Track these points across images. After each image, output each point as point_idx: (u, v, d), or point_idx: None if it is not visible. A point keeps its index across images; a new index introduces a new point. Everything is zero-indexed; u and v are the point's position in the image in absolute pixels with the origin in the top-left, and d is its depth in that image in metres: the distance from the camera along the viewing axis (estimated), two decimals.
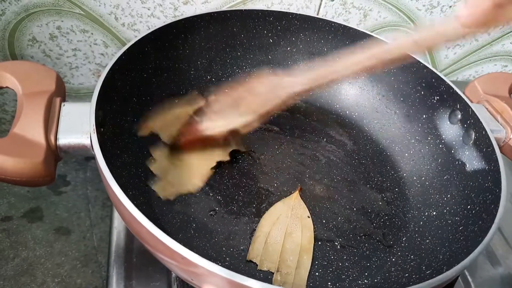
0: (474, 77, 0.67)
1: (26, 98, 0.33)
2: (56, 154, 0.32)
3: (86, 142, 0.32)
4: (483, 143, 0.40)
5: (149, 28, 0.43)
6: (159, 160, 0.41)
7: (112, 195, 0.29)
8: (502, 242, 0.47)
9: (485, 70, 0.66)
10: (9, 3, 0.44)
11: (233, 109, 0.40)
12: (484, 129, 0.40)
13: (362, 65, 0.35)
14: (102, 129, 0.34)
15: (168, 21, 0.43)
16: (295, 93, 0.38)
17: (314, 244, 0.38)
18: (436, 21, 0.57)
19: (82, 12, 0.47)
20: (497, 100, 0.43)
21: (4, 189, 0.50)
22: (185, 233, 0.37)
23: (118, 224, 0.41)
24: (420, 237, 0.40)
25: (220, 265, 0.25)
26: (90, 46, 0.50)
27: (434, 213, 0.41)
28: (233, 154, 0.44)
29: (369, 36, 0.48)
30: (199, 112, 0.43)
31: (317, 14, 0.53)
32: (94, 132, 0.31)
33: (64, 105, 0.34)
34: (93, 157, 0.31)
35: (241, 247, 0.37)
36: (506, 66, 0.67)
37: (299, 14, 0.49)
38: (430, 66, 0.45)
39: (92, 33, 0.49)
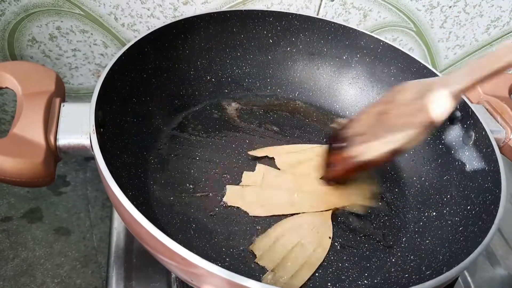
0: None
1: (26, 98, 0.33)
2: (55, 154, 0.32)
3: (86, 142, 0.32)
4: (483, 144, 0.40)
5: (149, 29, 0.43)
6: None
7: (111, 196, 0.29)
8: (502, 243, 0.47)
9: None
10: (8, 3, 0.44)
11: (380, 126, 0.35)
12: (484, 129, 0.40)
13: None
14: (101, 130, 0.34)
15: (168, 21, 0.44)
16: (455, 92, 0.32)
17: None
18: None
19: (81, 13, 0.47)
20: (497, 100, 0.43)
21: (4, 190, 0.50)
22: (184, 233, 0.37)
23: (117, 224, 0.41)
24: (420, 237, 0.40)
25: (220, 266, 0.25)
26: (90, 46, 0.50)
27: (434, 213, 0.41)
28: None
29: (369, 36, 0.48)
30: (339, 139, 0.39)
31: (317, 15, 0.53)
32: (93, 133, 0.31)
33: (63, 106, 0.34)
34: (93, 158, 0.31)
35: (241, 248, 0.37)
36: None
37: (299, 14, 0.49)
38: (430, 67, 0.45)
39: (91, 34, 0.49)
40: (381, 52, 0.49)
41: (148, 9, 0.48)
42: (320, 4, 0.53)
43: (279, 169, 0.44)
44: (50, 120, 0.32)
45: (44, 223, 0.48)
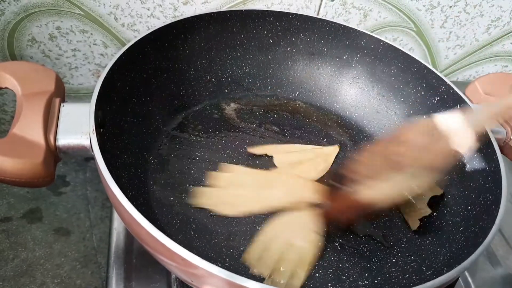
0: (475, 77, 0.67)
1: (26, 98, 0.33)
2: (55, 154, 0.32)
3: (86, 142, 0.32)
4: (483, 144, 0.40)
5: (149, 29, 0.42)
6: None
7: (111, 196, 0.29)
8: (503, 243, 0.47)
9: (485, 71, 0.66)
10: (8, 3, 0.44)
11: (389, 168, 0.34)
12: (484, 129, 0.40)
13: None
14: (101, 130, 0.34)
15: (168, 21, 0.43)
16: (474, 130, 0.31)
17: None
18: None
19: (81, 13, 0.46)
20: (498, 100, 0.43)
21: (4, 190, 0.50)
22: (184, 234, 0.37)
23: (117, 225, 0.41)
24: (421, 238, 0.40)
25: (220, 266, 0.25)
26: (90, 46, 0.50)
27: (435, 213, 0.41)
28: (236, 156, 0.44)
29: (370, 36, 0.48)
30: (343, 181, 0.37)
31: (317, 14, 0.53)
32: (93, 133, 0.31)
33: (63, 106, 0.34)
34: (93, 158, 0.31)
35: (241, 248, 0.37)
36: (507, 66, 0.66)
37: (299, 14, 0.49)
38: (430, 67, 0.45)
39: (91, 34, 0.48)
40: (382, 52, 0.48)
41: (148, 9, 0.48)
42: (320, 4, 0.52)
43: (276, 167, 0.43)
44: (49, 120, 0.32)
45: (44, 223, 0.48)
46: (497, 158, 0.37)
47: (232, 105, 0.50)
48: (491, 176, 0.37)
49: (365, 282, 0.36)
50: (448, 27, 0.58)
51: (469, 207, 0.38)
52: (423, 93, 0.46)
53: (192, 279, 0.28)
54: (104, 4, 0.46)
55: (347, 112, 0.51)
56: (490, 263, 0.45)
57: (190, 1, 0.48)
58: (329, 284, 0.36)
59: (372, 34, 0.48)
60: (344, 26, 0.49)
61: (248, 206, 0.40)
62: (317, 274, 0.36)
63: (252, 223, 0.39)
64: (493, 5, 0.56)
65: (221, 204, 0.39)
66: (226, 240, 0.37)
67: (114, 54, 0.48)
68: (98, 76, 0.38)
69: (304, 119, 0.50)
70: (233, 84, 0.50)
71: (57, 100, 0.34)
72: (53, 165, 0.32)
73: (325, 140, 0.48)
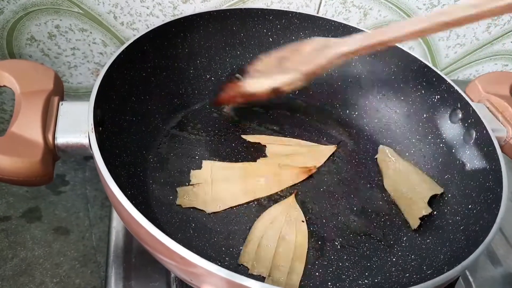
0: (475, 76, 0.66)
1: (24, 97, 0.33)
2: (54, 153, 0.32)
3: (84, 141, 0.32)
4: (484, 142, 0.39)
5: (148, 27, 0.42)
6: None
7: (110, 195, 0.29)
8: (503, 242, 0.47)
9: (485, 69, 0.66)
10: (7, 2, 0.44)
11: (276, 68, 0.40)
12: (485, 128, 0.39)
13: (415, 27, 0.33)
14: (100, 128, 0.34)
15: (167, 20, 0.43)
16: (342, 54, 0.37)
17: (314, 245, 0.38)
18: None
19: (80, 11, 0.46)
20: (498, 99, 0.43)
21: (3, 189, 0.50)
22: (184, 233, 0.37)
23: (117, 224, 0.41)
24: (421, 236, 0.40)
25: (219, 265, 0.25)
26: (89, 45, 0.50)
27: (435, 212, 0.41)
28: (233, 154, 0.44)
29: None
30: (241, 71, 0.43)
31: (317, 13, 0.53)
32: (92, 131, 0.31)
33: (62, 104, 0.34)
34: (92, 157, 0.31)
35: (240, 247, 0.37)
36: (507, 65, 0.66)
37: (299, 12, 0.49)
38: (430, 65, 0.45)
39: (90, 32, 0.48)
40: (382, 50, 0.48)
41: (148, 8, 0.48)
42: (320, 3, 0.52)
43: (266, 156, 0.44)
44: (48, 119, 0.32)
45: (43, 222, 0.48)
46: (497, 156, 0.37)
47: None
48: (492, 174, 0.37)
49: (365, 281, 0.36)
50: None
51: (469, 206, 0.38)
52: (423, 91, 0.46)
53: (191, 278, 0.28)
54: (103, 3, 0.46)
55: (347, 111, 0.51)
56: (490, 262, 0.45)
57: None
58: (329, 283, 0.36)
59: None
60: (344, 24, 0.48)
61: (234, 201, 0.40)
62: (317, 273, 0.36)
63: (252, 222, 0.39)
64: None
65: (210, 201, 0.39)
66: (226, 239, 0.37)
67: (113, 52, 0.48)
68: (97, 75, 0.38)
69: (304, 118, 0.50)
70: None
71: (56, 99, 0.34)
72: (52, 163, 0.32)
73: (325, 139, 0.48)
